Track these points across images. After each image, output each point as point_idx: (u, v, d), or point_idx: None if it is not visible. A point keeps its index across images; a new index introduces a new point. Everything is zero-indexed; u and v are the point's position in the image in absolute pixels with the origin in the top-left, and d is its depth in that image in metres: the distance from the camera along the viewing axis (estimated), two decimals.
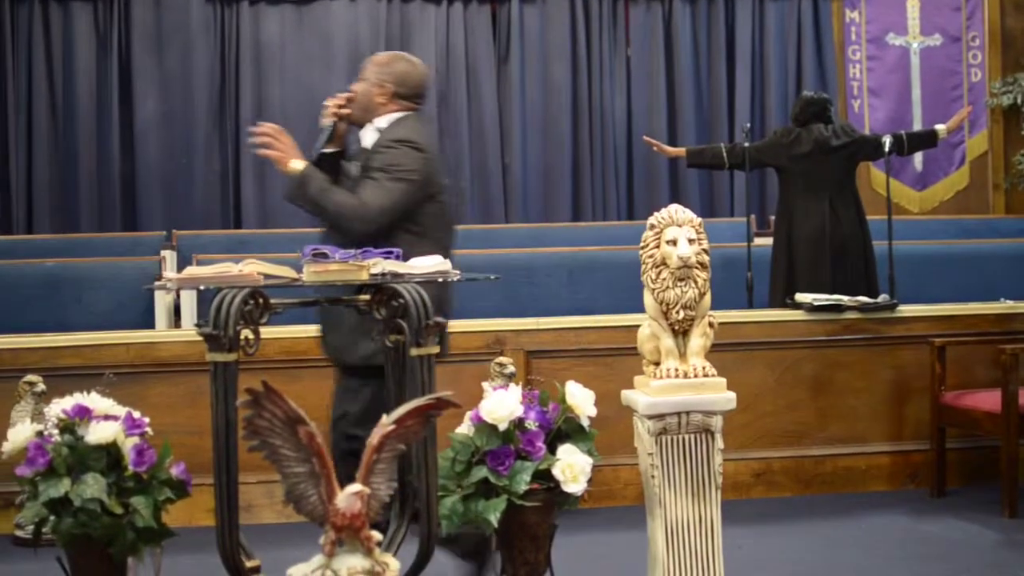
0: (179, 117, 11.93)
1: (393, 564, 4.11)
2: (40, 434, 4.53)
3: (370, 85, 5.44)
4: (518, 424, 4.64)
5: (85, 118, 11.79)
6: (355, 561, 4.07)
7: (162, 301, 8.54)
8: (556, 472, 4.60)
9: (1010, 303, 7.86)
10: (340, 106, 5.41)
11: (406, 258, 4.74)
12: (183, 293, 8.09)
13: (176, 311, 8.71)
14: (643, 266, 4.67)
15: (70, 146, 11.79)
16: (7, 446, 4.61)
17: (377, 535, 4.15)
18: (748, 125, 9.16)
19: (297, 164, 5.27)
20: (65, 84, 11.83)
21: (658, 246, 4.62)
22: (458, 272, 4.75)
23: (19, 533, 6.59)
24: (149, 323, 8.48)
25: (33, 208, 11.68)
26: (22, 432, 4.58)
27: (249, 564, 4.38)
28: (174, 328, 8.46)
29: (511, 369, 6.66)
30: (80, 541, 4.40)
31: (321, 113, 5.45)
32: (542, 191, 12.33)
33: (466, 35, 12.29)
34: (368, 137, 5.41)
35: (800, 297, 7.73)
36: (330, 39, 12.14)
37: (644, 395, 4.68)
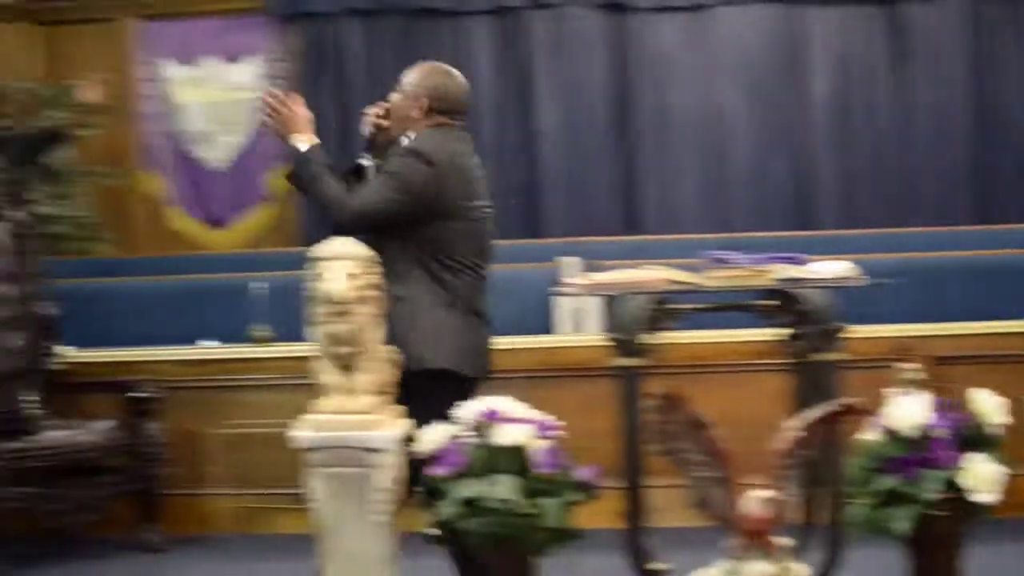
0: (579, 126, 12.07)
1: (800, 570, 4.10)
2: (453, 436, 4.68)
3: (406, 98, 5.27)
4: (926, 432, 4.56)
5: (488, 128, 12.02)
6: (761, 566, 4.08)
7: (564, 307, 8.66)
8: (965, 481, 4.50)
9: None
10: (379, 116, 5.32)
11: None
12: (585, 299, 8.19)
13: (578, 317, 8.82)
14: None
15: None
16: (421, 446, 4.78)
17: (784, 540, 4.15)
18: None
19: (300, 141, 5.24)
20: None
21: None
22: (865, 277, 4.70)
23: (431, 532, 6.80)
24: (549, 329, 8.62)
25: None
26: (436, 433, 4.75)
27: (655, 567, 4.44)
28: (576, 334, 8.58)
29: (916, 375, 6.53)
30: (491, 540, 4.52)
31: (361, 123, 5.40)
32: (945, 194, 11.98)
33: (862, 37, 12.06)
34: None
35: None
36: (724, 46, 12.09)
37: None
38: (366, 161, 5.36)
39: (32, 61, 12.22)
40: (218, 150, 12.29)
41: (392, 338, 4.81)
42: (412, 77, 5.31)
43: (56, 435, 7.00)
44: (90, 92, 9.57)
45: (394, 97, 5.31)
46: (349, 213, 5.09)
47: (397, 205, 5.05)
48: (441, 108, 5.25)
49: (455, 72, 5.41)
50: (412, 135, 5.22)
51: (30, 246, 7.65)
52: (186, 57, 12.34)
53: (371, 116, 5.35)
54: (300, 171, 5.26)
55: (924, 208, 11.88)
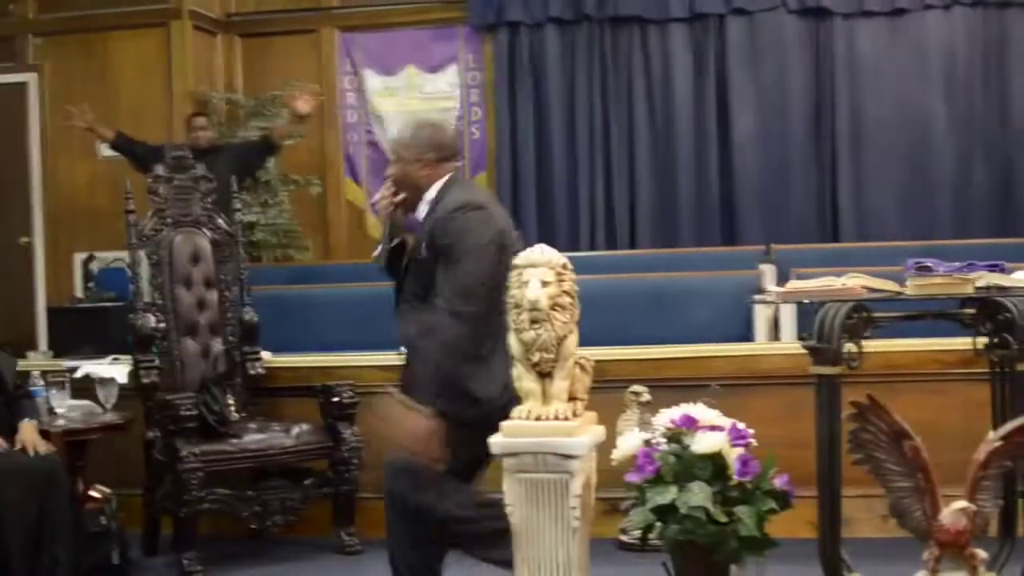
0: (776, 132, 11.98)
1: None
2: (648, 443, 4.68)
3: (409, 163, 5.19)
4: None
5: (684, 135, 12.02)
6: None
7: (762, 314, 8.62)
8: None
9: None
10: (393, 194, 5.23)
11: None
12: (782, 306, 8.14)
13: (775, 324, 8.78)
14: None
15: (670, 163, 12.06)
16: (617, 453, 4.79)
17: (982, 553, 4.08)
18: None
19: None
20: (664, 103, 12.12)
21: None
22: None
23: (625, 538, 6.82)
24: (747, 336, 8.59)
25: (636, 224, 12.03)
26: (631, 440, 4.76)
27: None
28: (774, 341, 8.53)
29: None
30: (685, 547, 4.50)
31: (377, 212, 5.31)
32: None
33: None
34: (422, 210, 5.19)
35: None
36: (925, 50, 11.89)
37: None
38: (394, 243, 5.36)
39: (233, 72, 12.53)
40: None
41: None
42: (404, 142, 5.29)
43: (256, 438, 7.16)
44: (303, 104, 9.74)
45: (394, 169, 5.29)
46: (465, 309, 4.90)
47: (490, 257, 4.98)
48: (444, 156, 5.23)
49: (434, 119, 5.47)
50: (432, 193, 5.19)
51: (232, 253, 7.83)
52: (386, 67, 12.55)
53: (383, 200, 5.33)
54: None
55: None
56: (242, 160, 9.83)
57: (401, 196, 5.23)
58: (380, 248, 5.40)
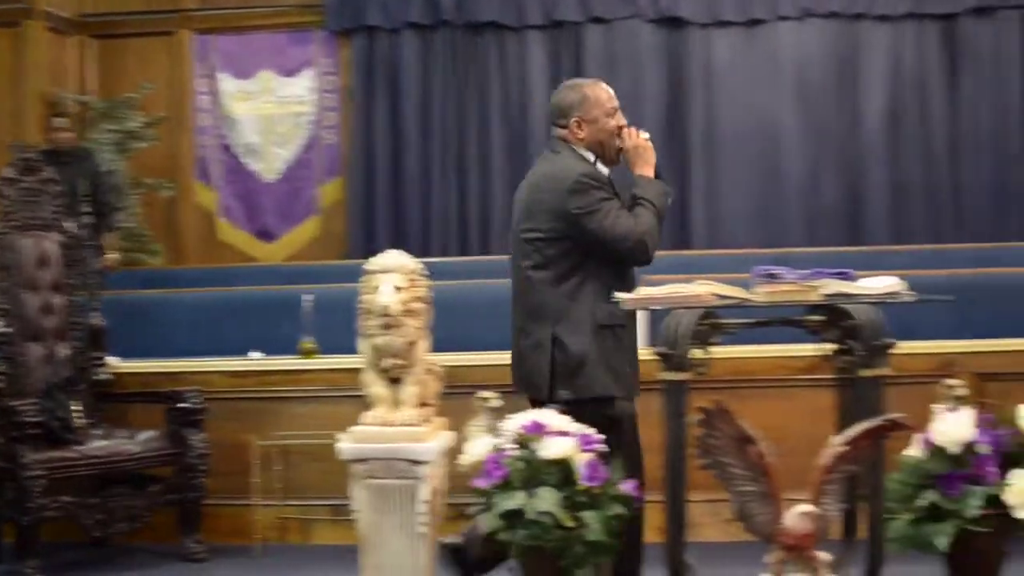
0: None
1: None
2: (497, 448, 4.69)
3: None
4: (970, 448, 4.53)
5: (539, 143, 12.00)
6: None
7: None
8: (1008, 498, 4.47)
9: None
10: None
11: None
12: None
13: None
14: None
15: (525, 170, 11.85)
16: (465, 459, 4.79)
17: (825, 556, 4.13)
18: None
19: (649, 173, 5.27)
20: (520, 109, 12.15)
21: None
22: (913, 293, 4.68)
23: (448, 542, 6.81)
24: None
25: (489, 230, 12.04)
26: (480, 446, 4.76)
27: None
28: None
29: (961, 392, 6.48)
30: (532, 553, 4.51)
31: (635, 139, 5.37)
32: (994, 210, 11.93)
33: (917, 51, 12.02)
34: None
35: None
36: (779, 61, 12.05)
37: None
38: None
39: (87, 74, 12.34)
40: (269, 163, 12.36)
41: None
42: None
43: (101, 444, 7.04)
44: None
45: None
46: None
47: None
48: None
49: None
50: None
51: (80, 257, 7.71)
52: (242, 71, 12.44)
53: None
54: (660, 201, 5.25)
55: (972, 224, 11.84)
56: (97, 201, 9.60)
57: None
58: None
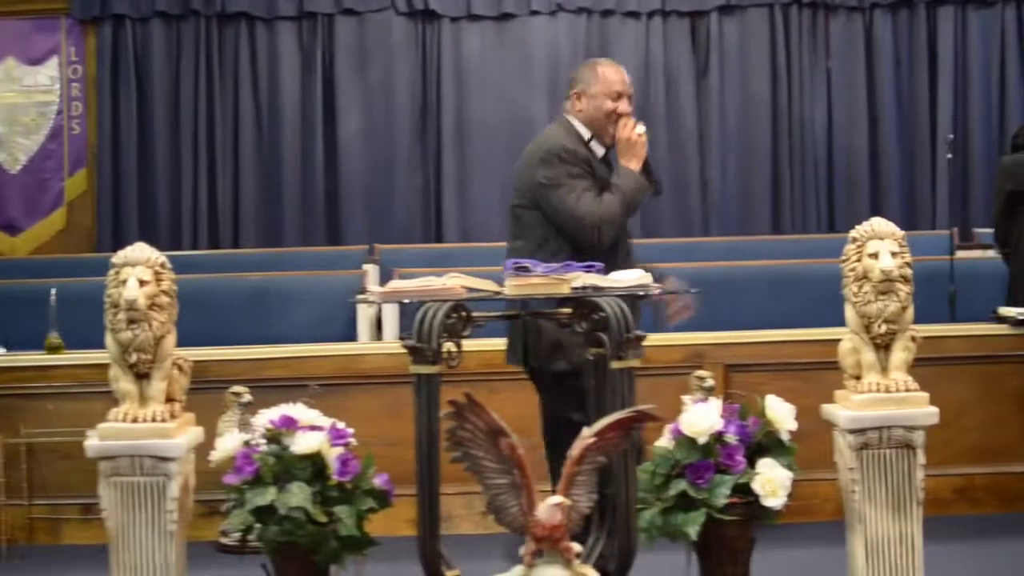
0: (381, 132, 12.07)
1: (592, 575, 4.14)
2: (247, 444, 4.63)
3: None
4: (718, 438, 4.62)
5: (290, 134, 12.01)
6: (554, 572, 4.11)
7: (364, 314, 8.65)
8: (755, 486, 4.58)
9: None
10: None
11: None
12: (385, 306, 8.18)
13: (378, 324, 8.83)
14: (844, 279, 4.62)
15: (275, 162, 12.02)
16: (215, 455, 4.73)
17: (576, 547, 4.17)
18: (951, 136, 8.97)
19: (635, 167, 5.40)
20: (270, 101, 12.07)
21: (860, 259, 4.56)
22: (658, 286, 4.76)
23: (225, 540, 6.71)
24: (351, 336, 8.60)
25: (240, 223, 11.94)
26: (230, 441, 4.70)
27: (449, 574, 4.44)
28: (376, 341, 8.57)
29: (710, 383, 6.60)
30: (285, 549, 4.49)
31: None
32: (741, 204, 12.23)
33: (665, 48, 12.24)
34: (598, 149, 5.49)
35: (1004, 311, 7.53)
36: (530, 54, 12.18)
37: (845, 409, 4.64)
38: None
39: None
40: (13, 154, 12.04)
41: None
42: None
43: None
44: None
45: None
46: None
47: None
48: None
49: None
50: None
51: None
52: None
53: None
54: (632, 193, 5.37)
55: (723, 219, 12.11)
56: None
57: None
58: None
